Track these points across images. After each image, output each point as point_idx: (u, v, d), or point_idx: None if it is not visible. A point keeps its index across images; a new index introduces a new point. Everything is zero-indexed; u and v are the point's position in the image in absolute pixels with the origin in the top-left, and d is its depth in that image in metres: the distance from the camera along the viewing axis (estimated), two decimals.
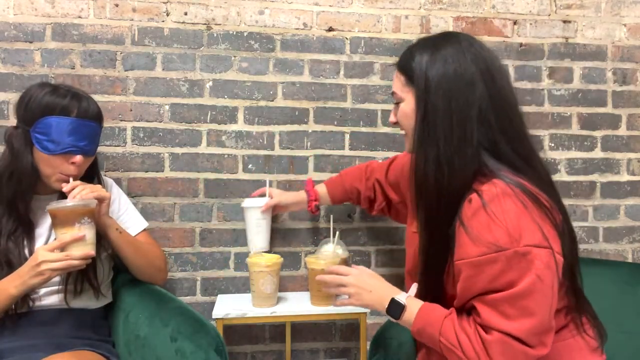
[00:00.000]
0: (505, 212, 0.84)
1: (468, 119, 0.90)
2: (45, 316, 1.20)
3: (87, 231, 1.11)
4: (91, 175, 1.31)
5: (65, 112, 1.18)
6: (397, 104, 1.02)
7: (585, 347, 0.94)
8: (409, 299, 0.97)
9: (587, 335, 0.94)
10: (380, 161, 1.48)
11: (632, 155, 1.80)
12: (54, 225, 1.12)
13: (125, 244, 1.27)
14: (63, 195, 1.22)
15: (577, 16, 1.77)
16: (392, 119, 1.05)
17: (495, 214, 0.84)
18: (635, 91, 1.80)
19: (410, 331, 1.01)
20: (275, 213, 1.52)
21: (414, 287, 1.01)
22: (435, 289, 0.97)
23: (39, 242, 1.23)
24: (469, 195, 0.88)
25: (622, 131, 1.80)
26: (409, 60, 0.98)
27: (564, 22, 1.77)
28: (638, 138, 1.80)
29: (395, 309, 0.97)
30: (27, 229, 1.22)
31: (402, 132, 1.04)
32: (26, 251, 1.20)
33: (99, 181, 1.33)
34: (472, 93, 0.91)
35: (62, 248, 1.09)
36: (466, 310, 0.91)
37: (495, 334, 0.83)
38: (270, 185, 1.62)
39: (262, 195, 1.48)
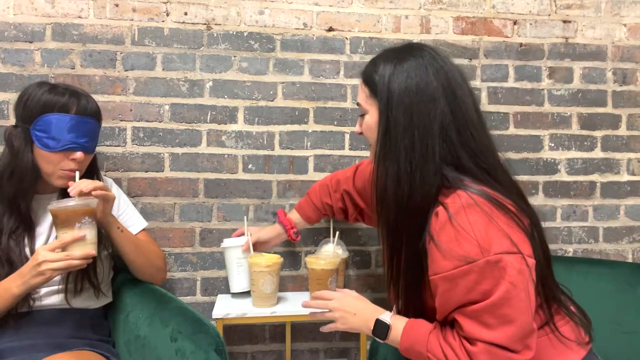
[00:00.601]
0: (471, 223, 0.84)
1: (430, 134, 0.90)
2: (45, 316, 1.21)
3: (87, 231, 1.11)
4: (91, 174, 1.31)
5: (64, 109, 1.19)
6: (362, 115, 1.02)
7: (559, 344, 0.94)
8: (393, 317, 0.97)
9: (560, 333, 0.94)
10: (344, 169, 1.47)
11: (632, 155, 1.80)
12: (55, 225, 1.12)
13: (126, 243, 1.28)
14: (64, 195, 1.23)
15: (577, 16, 1.77)
16: (357, 129, 1.05)
17: (462, 226, 0.84)
18: (635, 91, 1.80)
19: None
20: (257, 250, 1.52)
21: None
22: (414, 303, 0.97)
23: (40, 241, 1.23)
24: (435, 208, 0.88)
25: (622, 131, 1.80)
26: (373, 72, 0.97)
27: (564, 22, 1.77)
28: (638, 138, 1.80)
29: (381, 329, 0.96)
30: (28, 228, 1.22)
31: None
32: (27, 250, 1.20)
33: (99, 180, 1.33)
34: (433, 109, 0.91)
35: (63, 248, 1.09)
36: (449, 322, 0.92)
37: (480, 344, 0.84)
38: (271, 187, 1.62)
39: (242, 235, 1.49)
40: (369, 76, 0.99)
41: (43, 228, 1.25)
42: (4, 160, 1.21)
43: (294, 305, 1.44)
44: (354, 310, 1.02)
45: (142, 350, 1.18)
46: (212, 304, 1.47)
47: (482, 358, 0.83)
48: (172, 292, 1.51)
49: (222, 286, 1.61)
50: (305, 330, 1.67)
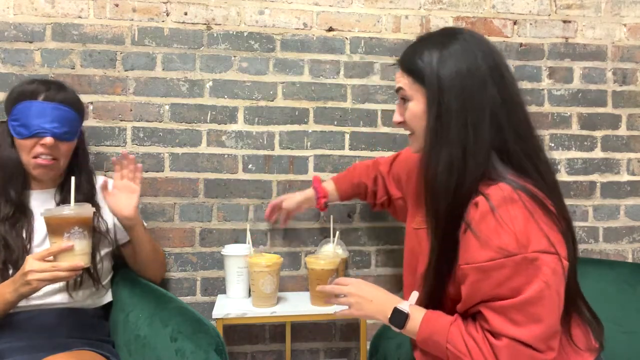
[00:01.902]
0: (512, 217, 0.83)
1: (482, 119, 0.89)
2: (45, 316, 1.21)
3: (77, 241, 1.09)
4: (79, 169, 1.32)
5: (32, 97, 1.23)
6: (404, 101, 0.98)
7: (568, 348, 0.93)
8: (411, 307, 0.96)
9: (571, 336, 0.93)
10: (387, 157, 1.46)
11: (632, 155, 1.80)
12: (48, 233, 1.12)
13: (146, 241, 1.34)
14: (61, 191, 1.28)
15: (577, 16, 1.77)
16: (397, 119, 1.01)
17: (503, 219, 0.83)
18: (635, 91, 1.80)
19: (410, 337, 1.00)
20: (287, 222, 1.56)
21: (414, 295, 0.99)
22: (438, 292, 0.95)
23: (39, 236, 1.24)
24: (475, 198, 0.87)
25: (622, 131, 1.80)
26: (415, 59, 0.94)
27: (564, 22, 1.77)
28: (638, 138, 1.80)
29: (399, 318, 0.95)
30: (24, 215, 1.24)
31: (407, 132, 1.02)
32: (24, 236, 1.22)
33: (90, 178, 1.35)
34: (484, 92, 0.89)
35: (54, 257, 1.08)
36: (470, 315, 0.91)
37: (505, 339, 0.83)
38: (271, 187, 1.62)
39: (276, 207, 1.53)
40: (411, 64, 0.96)
41: (41, 223, 1.25)
42: None
43: (294, 305, 1.44)
44: (371, 297, 1.01)
45: (142, 350, 1.18)
46: (212, 304, 1.47)
47: (505, 352, 0.83)
48: (172, 292, 1.51)
49: (222, 286, 1.61)
50: (305, 330, 1.67)
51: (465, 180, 0.88)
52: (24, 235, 1.22)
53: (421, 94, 0.94)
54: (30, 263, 1.07)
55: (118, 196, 1.28)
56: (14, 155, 1.23)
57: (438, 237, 0.93)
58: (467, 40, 0.93)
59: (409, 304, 0.97)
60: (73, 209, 1.11)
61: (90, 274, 1.25)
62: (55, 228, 1.08)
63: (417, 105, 0.95)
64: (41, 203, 1.27)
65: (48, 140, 1.21)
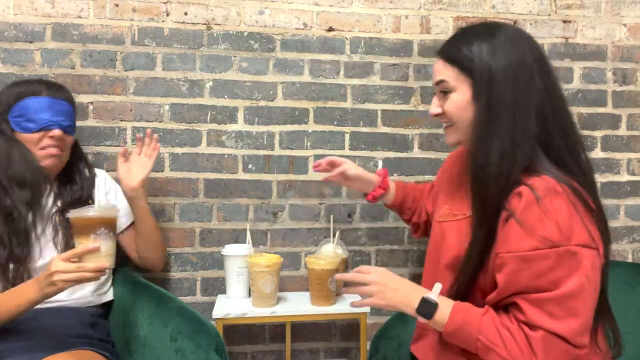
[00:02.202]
0: (557, 209, 0.83)
1: (530, 110, 0.89)
2: (45, 315, 1.21)
3: (103, 242, 1.09)
4: (79, 160, 1.35)
5: (36, 93, 1.26)
6: (445, 93, 0.97)
7: (594, 355, 0.92)
8: (439, 297, 0.93)
9: (596, 340, 0.92)
10: None
11: (632, 155, 1.80)
12: (73, 233, 1.12)
13: (147, 215, 1.36)
14: (60, 186, 1.29)
15: (577, 16, 1.77)
16: (435, 110, 1.00)
17: (547, 209, 0.83)
18: (635, 91, 1.80)
19: (414, 329, 0.99)
20: (333, 180, 1.39)
21: (437, 287, 0.96)
22: (470, 283, 0.94)
23: (37, 230, 1.25)
24: (517, 188, 0.87)
25: (622, 131, 1.80)
26: (463, 50, 0.94)
27: (564, 22, 1.77)
28: (638, 138, 1.80)
29: (428, 308, 0.92)
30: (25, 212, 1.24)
31: (444, 123, 1.01)
32: (24, 231, 1.22)
33: (89, 171, 1.37)
34: (532, 84, 0.90)
35: (78, 258, 1.08)
36: (501, 306, 0.90)
37: (541, 331, 0.82)
38: (271, 187, 1.62)
39: (330, 168, 1.38)
40: (456, 54, 0.95)
41: (39, 219, 1.26)
42: None
43: (294, 305, 1.44)
44: (395, 286, 0.98)
45: (142, 350, 1.18)
46: (212, 304, 1.47)
47: (540, 344, 0.82)
48: (172, 292, 1.51)
49: (222, 286, 1.61)
50: (305, 330, 1.67)
51: (513, 172, 0.88)
52: (24, 232, 1.22)
53: (467, 85, 0.94)
54: (56, 264, 1.06)
55: (130, 167, 1.32)
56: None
57: (483, 228, 0.91)
58: (512, 32, 0.94)
59: (436, 295, 0.95)
60: (98, 210, 1.11)
61: None
62: (81, 229, 1.09)
63: (461, 96, 0.95)
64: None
65: (57, 132, 1.25)
